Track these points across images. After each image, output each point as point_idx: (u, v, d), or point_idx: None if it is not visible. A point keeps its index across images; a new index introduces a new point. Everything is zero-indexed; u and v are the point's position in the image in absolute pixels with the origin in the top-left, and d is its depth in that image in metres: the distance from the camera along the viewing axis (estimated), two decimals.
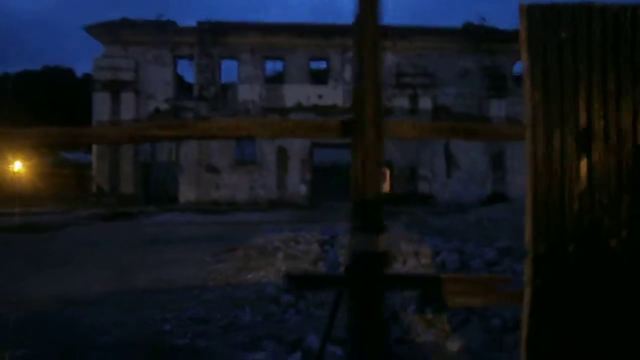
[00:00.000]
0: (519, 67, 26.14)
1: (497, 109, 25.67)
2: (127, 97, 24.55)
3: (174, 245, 11.55)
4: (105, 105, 24.40)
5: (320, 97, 25.43)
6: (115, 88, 24.41)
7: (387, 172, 25.39)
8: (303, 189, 25.38)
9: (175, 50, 25.23)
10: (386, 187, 25.37)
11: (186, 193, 25.03)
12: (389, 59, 25.55)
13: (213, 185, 25.08)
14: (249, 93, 25.28)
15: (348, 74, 25.51)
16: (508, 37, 25.67)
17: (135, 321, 5.29)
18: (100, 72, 24.50)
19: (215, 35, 24.97)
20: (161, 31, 24.83)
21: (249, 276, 7.03)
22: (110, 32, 24.57)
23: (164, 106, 25.08)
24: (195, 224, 16.91)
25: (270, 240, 9.11)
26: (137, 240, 12.66)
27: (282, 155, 25.32)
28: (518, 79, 26.90)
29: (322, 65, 26.45)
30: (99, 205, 23.62)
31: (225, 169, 25.14)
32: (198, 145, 24.96)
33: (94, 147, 24.68)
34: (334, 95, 25.49)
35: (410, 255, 7.39)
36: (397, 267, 7.01)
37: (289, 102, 25.36)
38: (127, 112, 24.52)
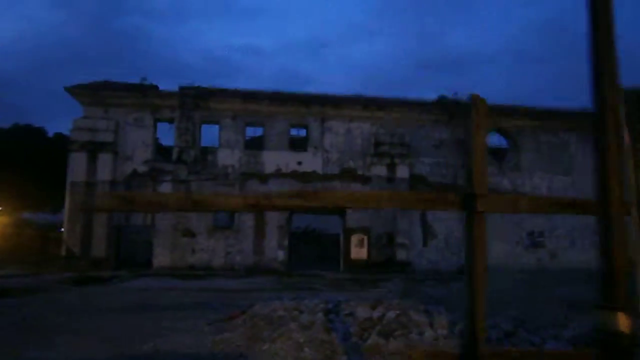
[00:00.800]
0: (493, 139, 27.30)
1: None
2: (105, 158, 24.22)
3: (162, 313, 11.10)
4: (81, 165, 23.97)
5: (299, 163, 25.68)
6: (93, 149, 24.10)
7: (365, 239, 25.43)
8: (281, 254, 25.08)
9: (156, 113, 25.30)
10: (364, 253, 25.34)
11: (160, 257, 24.36)
12: (368, 129, 26.28)
13: (189, 250, 24.54)
14: (229, 158, 25.35)
15: (327, 141, 26.03)
16: None
17: None
18: (78, 133, 24.22)
19: (197, 100, 25.25)
20: (143, 94, 24.96)
21: (264, 347, 6.77)
22: (92, 93, 24.55)
23: (142, 168, 24.81)
24: (177, 290, 16.36)
25: (273, 309, 8.87)
26: (121, 307, 12.15)
27: (260, 221, 25.14)
28: (491, 151, 27.95)
29: (302, 132, 26.84)
30: (69, 268, 22.68)
31: (201, 233, 24.72)
32: None
33: (67, 208, 23.98)
34: (313, 162, 25.80)
35: (425, 326, 7.30)
36: (415, 338, 6.89)
37: (269, 168, 25.49)
38: (104, 173, 24.14)
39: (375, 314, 7.90)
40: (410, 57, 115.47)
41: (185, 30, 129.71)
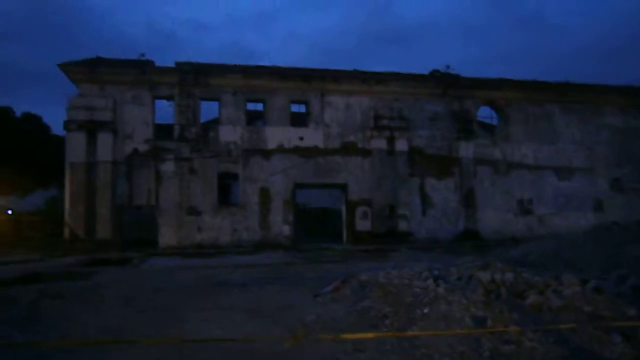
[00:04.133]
0: (483, 111, 28.31)
1: (465, 150, 27.40)
2: (104, 138, 23.52)
3: (247, 288, 11.23)
4: (80, 145, 23.19)
5: (301, 139, 25.82)
6: (92, 128, 23.34)
7: (369, 211, 26.04)
8: (286, 229, 25.33)
9: (155, 90, 24.68)
10: (367, 225, 25.97)
11: (166, 237, 24.10)
12: (367, 103, 26.66)
13: (195, 228, 24.37)
14: (231, 134, 25.15)
15: (327, 116, 26.25)
16: (472, 85, 27.82)
17: None
18: (75, 112, 23.34)
19: (196, 76, 24.79)
20: (140, 71, 24.26)
21: (425, 311, 7.13)
22: (88, 70, 23.64)
23: (143, 147, 24.26)
24: (222, 267, 16.40)
25: (386, 277, 9.25)
26: (195, 285, 12.13)
27: (265, 197, 25.24)
28: (481, 123, 29.02)
29: (302, 108, 26.90)
30: (73, 251, 22.14)
31: (207, 212, 24.57)
32: (179, 187, 24.32)
33: (67, 191, 23.23)
34: (314, 137, 25.99)
35: (552, 285, 7.86)
36: (552, 297, 7.44)
37: (271, 144, 25.50)
38: (104, 152, 23.46)
39: (497, 276, 8.43)
40: (359, 29, 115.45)
41: (126, 2, 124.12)
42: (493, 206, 27.66)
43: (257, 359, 5.83)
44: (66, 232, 23.12)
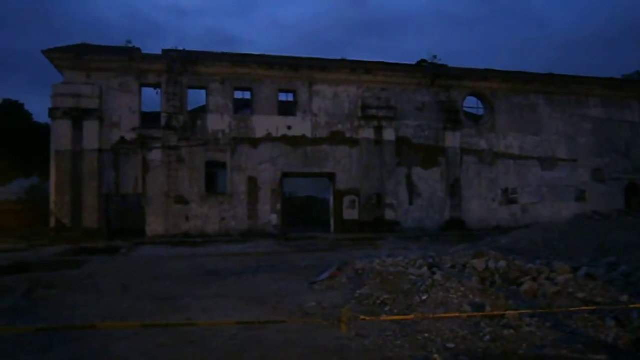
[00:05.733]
0: (470, 101, 28.58)
1: (452, 140, 27.67)
2: (90, 126, 23.27)
3: (238, 277, 11.31)
4: (66, 133, 22.92)
5: (289, 128, 25.82)
6: (77, 116, 23.06)
7: (356, 200, 26.21)
8: (274, 218, 25.39)
9: (142, 77, 24.43)
10: (355, 214, 26.15)
11: (154, 225, 24.00)
12: (354, 92, 26.73)
13: (182, 217, 24.31)
14: (219, 123, 25.04)
15: (315, 105, 26.27)
16: (459, 75, 28.04)
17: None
18: (60, 99, 23.03)
19: (184, 64, 24.59)
20: (127, 58, 23.99)
21: (424, 298, 7.30)
22: (73, 57, 23.30)
23: (130, 135, 24.05)
24: (213, 256, 16.43)
25: (381, 265, 9.41)
26: (190, 274, 12.16)
27: (253, 185, 25.25)
28: (468, 114, 29.31)
29: (290, 97, 26.85)
30: (59, 240, 21.96)
31: (195, 200, 24.51)
32: (167, 176, 24.21)
33: (53, 179, 22.98)
34: (302, 126, 26.01)
35: (546, 272, 8.09)
36: (546, 284, 7.67)
37: (259, 132, 25.46)
38: (90, 141, 23.23)
39: (491, 264, 8.64)
40: (343, 18, 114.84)
41: None
42: (478, 196, 28.04)
43: (266, 345, 5.92)
44: (52, 221, 22.90)
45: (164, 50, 24.94)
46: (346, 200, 26.16)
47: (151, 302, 8.67)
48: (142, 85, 24.60)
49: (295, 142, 25.81)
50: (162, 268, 13.61)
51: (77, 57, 23.33)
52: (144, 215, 24.18)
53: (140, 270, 13.23)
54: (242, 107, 26.96)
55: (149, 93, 25.26)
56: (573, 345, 5.50)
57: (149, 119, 25.09)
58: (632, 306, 6.23)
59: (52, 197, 22.94)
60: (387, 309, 7.37)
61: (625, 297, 6.81)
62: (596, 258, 9.76)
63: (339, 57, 27.58)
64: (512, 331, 5.94)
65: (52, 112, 23.02)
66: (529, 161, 28.90)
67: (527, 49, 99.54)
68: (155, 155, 24.23)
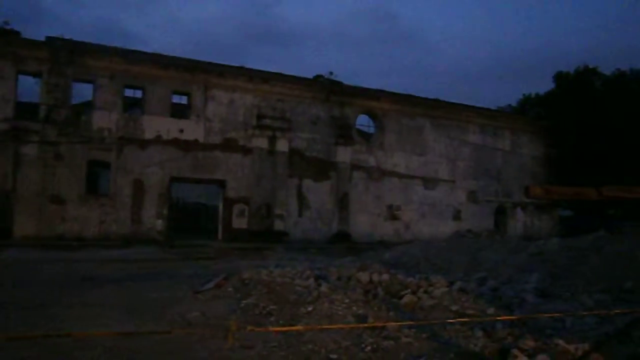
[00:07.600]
0: (362, 120, 29.64)
1: (343, 155, 28.48)
2: None
3: (118, 285, 10.70)
4: None
5: (181, 131, 25.05)
6: None
7: (246, 209, 25.98)
8: (159, 224, 24.41)
9: (20, 64, 22.46)
10: (244, 223, 25.90)
11: (24, 225, 21.99)
12: (250, 101, 26.61)
13: (58, 218, 22.56)
14: (105, 120, 23.65)
15: (210, 110, 25.77)
16: (353, 93, 29.03)
17: None
18: None
19: (70, 55, 22.99)
20: (4, 40, 21.94)
21: (310, 309, 7.35)
22: None
23: (1, 126, 21.95)
24: (91, 262, 15.38)
25: (268, 275, 9.37)
26: (62, 280, 11.28)
27: (138, 188, 24.10)
28: (360, 131, 30.34)
29: (184, 100, 26.10)
30: None
31: (73, 201, 22.86)
32: (42, 173, 22.38)
33: None
34: (195, 130, 25.36)
35: (425, 286, 8.54)
36: (424, 297, 8.09)
37: (149, 134, 24.42)
38: None
39: (375, 277, 8.95)
40: (241, 24, 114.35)
41: None
42: (365, 210, 29.04)
43: (143, 357, 5.62)
44: None
45: (47, 37, 23.13)
46: (236, 208, 25.85)
47: (16, 311, 7.90)
48: (20, 72, 22.63)
49: (186, 146, 25.09)
50: (32, 274, 12.52)
51: None
52: (12, 214, 22.08)
53: (5, 275, 12.06)
54: (132, 106, 25.73)
55: (28, 82, 23.32)
56: (446, 355, 5.83)
57: (26, 110, 23.07)
58: (497, 318, 6.71)
59: None
60: (272, 319, 7.34)
61: (492, 310, 7.38)
62: (469, 273, 10.51)
63: (238, 64, 27.33)
64: (392, 342, 6.17)
65: None
66: (414, 180, 30.51)
67: (420, 73, 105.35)
68: (30, 149, 22.31)
